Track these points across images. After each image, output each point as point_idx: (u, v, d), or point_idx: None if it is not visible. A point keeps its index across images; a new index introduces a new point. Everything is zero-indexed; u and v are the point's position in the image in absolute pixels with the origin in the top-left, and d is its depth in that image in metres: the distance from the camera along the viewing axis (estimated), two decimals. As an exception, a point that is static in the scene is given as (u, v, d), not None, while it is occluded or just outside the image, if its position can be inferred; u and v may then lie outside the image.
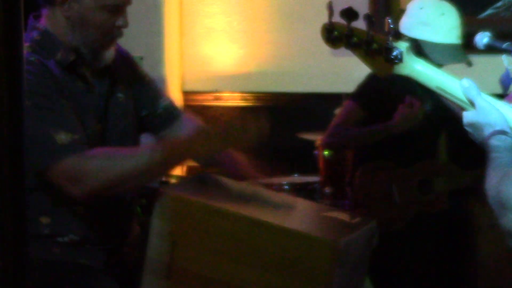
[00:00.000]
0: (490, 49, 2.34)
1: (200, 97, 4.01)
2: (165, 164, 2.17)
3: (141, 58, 3.41)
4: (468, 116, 1.68)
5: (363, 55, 1.76)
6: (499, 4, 3.77)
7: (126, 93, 2.36)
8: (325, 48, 3.71)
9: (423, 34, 2.94)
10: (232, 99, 3.99)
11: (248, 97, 3.97)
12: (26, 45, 2.16)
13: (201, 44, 3.97)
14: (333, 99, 3.58)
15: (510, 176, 1.45)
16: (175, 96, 3.98)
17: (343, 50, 3.80)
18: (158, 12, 3.75)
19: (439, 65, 2.55)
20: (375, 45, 1.71)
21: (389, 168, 3.04)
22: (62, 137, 2.09)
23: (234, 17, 3.93)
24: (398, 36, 2.91)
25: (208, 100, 4.00)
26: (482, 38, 2.39)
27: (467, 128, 1.70)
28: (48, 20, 2.24)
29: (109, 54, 2.26)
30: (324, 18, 3.74)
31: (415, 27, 2.96)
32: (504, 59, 2.68)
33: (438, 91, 1.74)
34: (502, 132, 1.61)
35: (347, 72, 3.47)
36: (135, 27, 2.47)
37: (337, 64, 3.81)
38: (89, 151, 2.11)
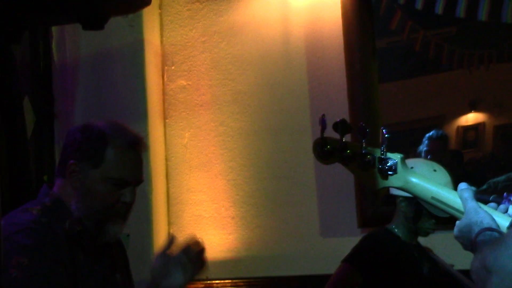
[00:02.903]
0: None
1: (190, 287, 3.93)
2: None
3: (128, 236, 3.40)
4: (458, 223, 1.67)
5: (356, 169, 1.74)
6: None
7: (122, 273, 2.36)
8: (314, 229, 3.81)
9: None
10: (223, 287, 3.92)
11: (239, 283, 3.91)
12: (37, 208, 2.18)
13: (190, 232, 3.96)
14: (325, 280, 3.54)
15: (496, 244, 1.43)
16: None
17: (331, 231, 3.84)
18: (145, 199, 3.79)
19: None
20: (368, 157, 1.71)
21: None
22: None
23: (222, 203, 3.97)
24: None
25: (199, 289, 3.94)
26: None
27: (458, 239, 1.69)
28: (60, 190, 2.27)
29: (114, 230, 2.26)
30: (311, 199, 3.81)
31: None
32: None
33: (433, 201, 1.72)
34: (489, 229, 1.60)
35: (336, 252, 3.44)
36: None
37: (326, 245, 3.81)
38: None
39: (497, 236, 1.59)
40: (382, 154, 1.69)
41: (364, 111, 3.78)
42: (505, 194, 2.39)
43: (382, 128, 1.71)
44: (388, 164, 1.69)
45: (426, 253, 3.04)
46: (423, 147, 3.91)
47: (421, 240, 3.08)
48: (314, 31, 3.90)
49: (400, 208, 2.97)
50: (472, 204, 1.65)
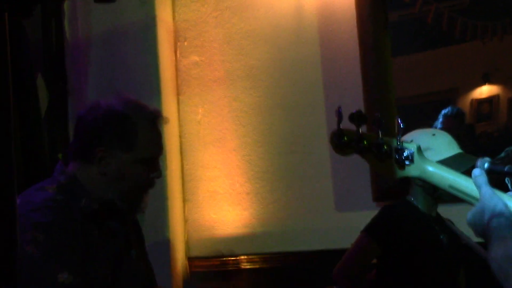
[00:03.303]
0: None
1: (205, 263, 3.95)
2: None
3: (143, 213, 3.40)
4: (472, 209, 1.68)
5: (373, 159, 1.76)
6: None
7: (138, 250, 2.37)
8: (329, 204, 3.81)
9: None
10: (238, 263, 3.93)
11: (254, 259, 3.92)
12: (52, 187, 2.18)
13: (205, 208, 3.98)
14: (341, 254, 3.54)
15: None
16: (180, 263, 3.93)
17: (346, 205, 3.84)
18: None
19: None
20: (385, 148, 1.72)
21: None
22: (65, 277, 2.07)
23: (236, 179, 3.96)
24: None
25: (214, 266, 3.95)
26: (483, 164, 2.42)
27: (470, 225, 1.69)
28: (80, 172, 2.27)
29: (144, 204, 2.29)
30: (326, 174, 3.81)
31: None
32: (508, 182, 2.69)
33: (451, 190, 1.73)
34: (501, 214, 1.61)
35: (352, 226, 3.44)
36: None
37: (341, 219, 3.81)
38: None
39: (510, 223, 1.59)
40: (398, 145, 1.70)
41: (377, 85, 3.76)
42: (521, 164, 2.37)
43: (397, 118, 1.72)
44: (404, 154, 1.71)
45: (445, 224, 3.04)
46: (437, 124, 3.90)
47: (441, 211, 3.07)
48: (326, 4, 3.88)
49: (417, 182, 2.96)
50: (486, 189, 1.65)
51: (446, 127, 3.86)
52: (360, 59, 3.81)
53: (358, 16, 3.80)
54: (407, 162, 1.72)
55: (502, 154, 3.78)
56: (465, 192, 1.70)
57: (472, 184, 1.69)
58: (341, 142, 1.79)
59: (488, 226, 1.61)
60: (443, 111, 3.90)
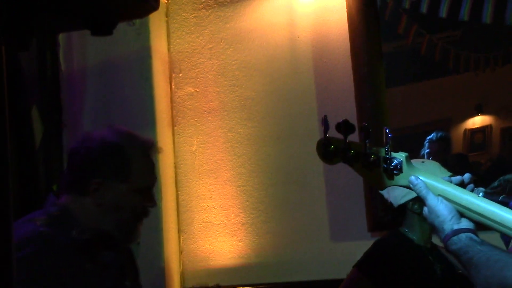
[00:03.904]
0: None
1: (202, 294, 3.94)
2: None
3: (138, 243, 3.39)
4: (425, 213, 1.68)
5: (361, 169, 1.75)
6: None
7: (132, 281, 2.36)
8: (324, 234, 3.81)
9: None
10: (234, 293, 3.93)
11: (250, 290, 3.92)
12: (42, 218, 2.17)
13: (200, 239, 3.97)
14: (336, 285, 3.53)
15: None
16: (176, 294, 3.92)
17: (342, 235, 3.84)
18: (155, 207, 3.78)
19: None
20: (373, 157, 1.71)
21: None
22: None
23: (231, 210, 3.96)
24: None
25: (210, 297, 3.93)
26: (478, 194, 2.43)
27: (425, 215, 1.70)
28: (72, 204, 2.26)
29: (138, 234, 2.29)
30: (321, 204, 3.81)
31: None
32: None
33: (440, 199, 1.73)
34: (454, 233, 1.61)
35: (347, 257, 3.43)
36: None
37: (336, 249, 3.80)
38: None
39: (464, 238, 1.59)
40: (386, 154, 1.69)
41: (371, 116, 3.78)
42: (514, 194, 2.38)
43: (385, 127, 1.72)
44: (393, 164, 1.70)
45: (441, 254, 3.02)
46: (424, 150, 3.92)
47: (435, 239, 3.07)
48: (321, 36, 3.90)
49: (414, 210, 2.95)
50: (431, 201, 1.66)
51: (432, 152, 3.89)
52: (354, 90, 3.82)
53: (352, 47, 3.82)
54: (395, 172, 1.71)
55: (496, 184, 3.78)
56: (454, 201, 1.70)
57: (462, 193, 1.68)
58: (327, 151, 1.79)
59: (447, 247, 1.61)
60: (428, 137, 3.93)
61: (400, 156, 1.70)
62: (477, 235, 1.66)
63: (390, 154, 1.70)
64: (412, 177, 1.69)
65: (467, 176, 1.77)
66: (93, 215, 2.22)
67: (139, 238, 2.31)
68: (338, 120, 3.78)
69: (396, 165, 1.70)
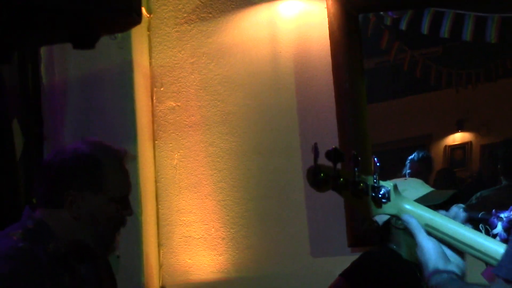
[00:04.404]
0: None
1: (181, 308, 3.93)
2: None
3: (118, 257, 3.39)
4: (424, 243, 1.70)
5: (350, 196, 1.77)
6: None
7: None
8: (305, 249, 3.81)
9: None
10: (213, 309, 3.92)
11: (230, 305, 3.91)
12: (18, 232, 2.16)
13: (180, 253, 3.96)
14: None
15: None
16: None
17: (322, 251, 3.85)
18: (135, 220, 3.78)
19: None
20: (362, 185, 1.73)
21: None
22: None
23: (212, 224, 3.95)
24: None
25: (190, 311, 3.93)
26: (458, 209, 2.44)
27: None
28: (49, 217, 2.25)
29: (116, 244, 2.29)
30: (301, 219, 3.82)
31: None
32: (482, 228, 2.72)
33: (428, 229, 1.75)
34: (437, 272, 1.63)
35: (327, 272, 3.44)
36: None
37: (316, 265, 3.81)
38: None
39: (446, 277, 1.62)
40: (374, 183, 1.71)
41: (353, 131, 3.79)
42: (493, 211, 2.40)
43: (373, 156, 1.74)
44: (381, 192, 1.72)
45: None
46: (406, 170, 3.94)
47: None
48: (303, 51, 3.92)
49: (398, 226, 2.94)
50: (420, 240, 1.68)
51: (413, 172, 3.91)
52: (335, 106, 3.84)
53: (334, 63, 3.84)
54: (383, 200, 1.72)
55: (473, 201, 3.80)
56: (441, 231, 1.72)
57: (449, 223, 1.70)
58: (317, 179, 1.79)
59: (427, 283, 1.64)
60: (409, 157, 3.95)
61: (388, 185, 1.72)
62: (462, 279, 1.69)
63: (378, 182, 1.71)
64: (406, 215, 1.71)
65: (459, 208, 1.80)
66: (70, 228, 2.22)
67: (118, 249, 2.31)
68: (319, 135, 3.81)
69: (384, 193, 1.72)
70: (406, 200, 1.74)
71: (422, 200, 2.81)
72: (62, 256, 2.19)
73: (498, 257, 1.61)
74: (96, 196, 2.21)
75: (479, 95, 4.03)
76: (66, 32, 2.30)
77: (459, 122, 4.10)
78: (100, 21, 2.24)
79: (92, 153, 2.26)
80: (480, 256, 1.69)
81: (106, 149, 2.30)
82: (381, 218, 2.93)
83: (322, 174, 1.78)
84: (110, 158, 2.27)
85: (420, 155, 3.97)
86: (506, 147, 4.00)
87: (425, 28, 3.95)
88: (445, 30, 3.91)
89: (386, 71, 4.11)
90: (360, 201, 1.74)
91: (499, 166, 3.93)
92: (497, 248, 1.66)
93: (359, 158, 1.74)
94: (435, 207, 2.59)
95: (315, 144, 1.78)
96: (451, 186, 4.03)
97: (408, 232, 2.87)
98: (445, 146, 4.08)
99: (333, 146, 1.75)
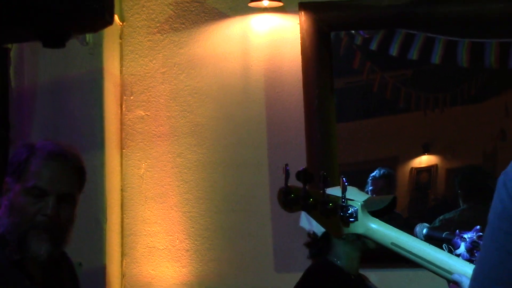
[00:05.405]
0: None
1: (144, 320, 3.90)
2: None
3: (80, 264, 3.34)
4: None
5: (319, 216, 1.79)
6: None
7: None
8: (269, 264, 3.80)
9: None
10: (174, 321, 3.89)
11: (191, 318, 3.89)
12: None
13: (143, 263, 3.94)
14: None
15: None
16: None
17: (285, 266, 3.84)
18: (99, 228, 3.75)
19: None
20: (330, 205, 1.75)
21: None
22: None
23: (176, 236, 3.94)
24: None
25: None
26: (422, 229, 2.46)
27: None
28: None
29: (37, 246, 2.21)
30: (266, 233, 3.82)
31: None
32: (445, 248, 2.73)
33: (393, 247, 1.76)
34: None
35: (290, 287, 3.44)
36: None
37: (280, 280, 3.81)
38: None
39: None
40: (342, 202, 1.73)
41: (321, 149, 3.81)
42: (457, 231, 2.42)
43: (342, 176, 1.76)
44: (349, 212, 1.74)
45: (364, 283, 3.02)
46: (368, 187, 3.97)
47: (372, 276, 3.10)
48: (274, 66, 3.94)
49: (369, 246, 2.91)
50: None
51: (375, 189, 3.94)
52: (304, 122, 3.86)
53: (304, 80, 3.87)
54: (351, 219, 1.75)
55: (437, 224, 3.83)
56: (407, 249, 1.73)
57: (414, 242, 1.72)
58: (288, 199, 1.81)
59: None
60: (371, 174, 3.98)
61: (355, 204, 1.74)
62: None
63: (346, 202, 1.73)
64: (457, 276, 1.70)
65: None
66: (4, 217, 2.19)
67: (36, 256, 2.21)
68: (287, 151, 3.82)
69: (351, 213, 1.73)
70: (372, 219, 1.75)
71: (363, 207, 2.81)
72: (18, 261, 2.15)
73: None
74: (17, 184, 2.19)
75: (446, 119, 4.07)
76: (36, 29, 2.28)
77: (426, 145, 4.13)
78: (71, 19, 2.22)
79: (32, 143, 2.27)
80: (445, 275, 1.71)
81: (50, 143, 2.28)
82: (320, 230, 2.92)
83: (292, 195, 1.80)
84: (41, 149, 2.24)
85: (382, 172, 4.00)
86: (463, 173, 4.06)
87: (394, 50, 3.98)
88: (414, 52, 3.96)
89: (356, 91, 4.14)
90: (330, 221, 1.77)
91: (459, 191, 3.98)
92: (462, 267, 1.68)
93: (328, 179, 1.77)
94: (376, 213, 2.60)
95: (286, 165, 1.80)
96: (425, 207, 4.08)
97: (349, 245, 2.89)
98: (411, 168, 4.11)
99: (303, 167, 1.79)
